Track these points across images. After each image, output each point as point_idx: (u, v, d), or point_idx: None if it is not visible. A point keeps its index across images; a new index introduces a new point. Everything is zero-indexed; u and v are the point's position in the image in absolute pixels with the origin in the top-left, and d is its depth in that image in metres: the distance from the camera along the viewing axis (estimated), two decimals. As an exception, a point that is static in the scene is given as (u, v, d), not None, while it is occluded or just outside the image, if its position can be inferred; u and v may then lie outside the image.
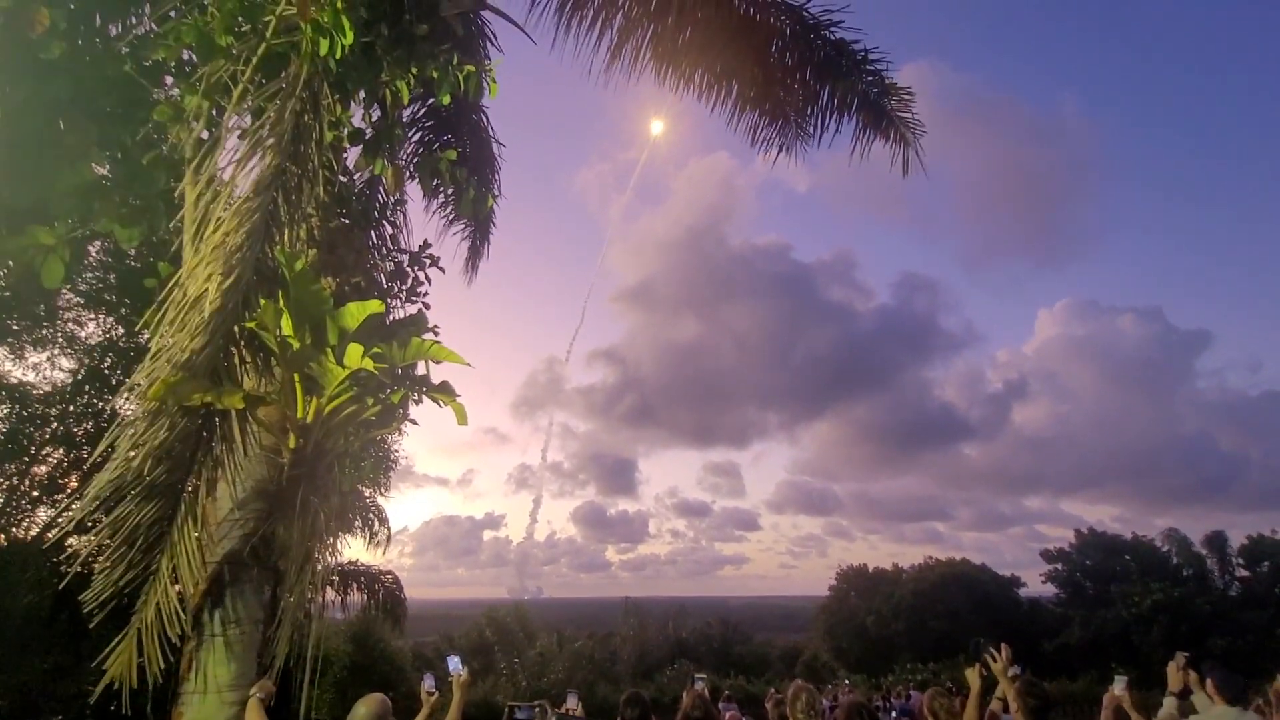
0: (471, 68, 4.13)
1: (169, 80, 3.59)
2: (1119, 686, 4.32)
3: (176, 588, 3.25)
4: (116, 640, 2.82)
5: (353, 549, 13.81)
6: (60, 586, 6.77)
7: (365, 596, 14.75)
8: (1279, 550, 30.62)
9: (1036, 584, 36.58)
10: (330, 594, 13.65)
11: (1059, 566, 35.66)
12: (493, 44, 6.21)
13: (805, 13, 5.72)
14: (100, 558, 2.86)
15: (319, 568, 4.17)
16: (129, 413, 3.05)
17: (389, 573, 15.18)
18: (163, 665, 2.87)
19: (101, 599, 2.70)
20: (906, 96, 6.04)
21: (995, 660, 3.72)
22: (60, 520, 8.72)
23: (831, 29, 5.75)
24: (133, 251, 8.60)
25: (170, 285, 3.09)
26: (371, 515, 13.49)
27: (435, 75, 4.02)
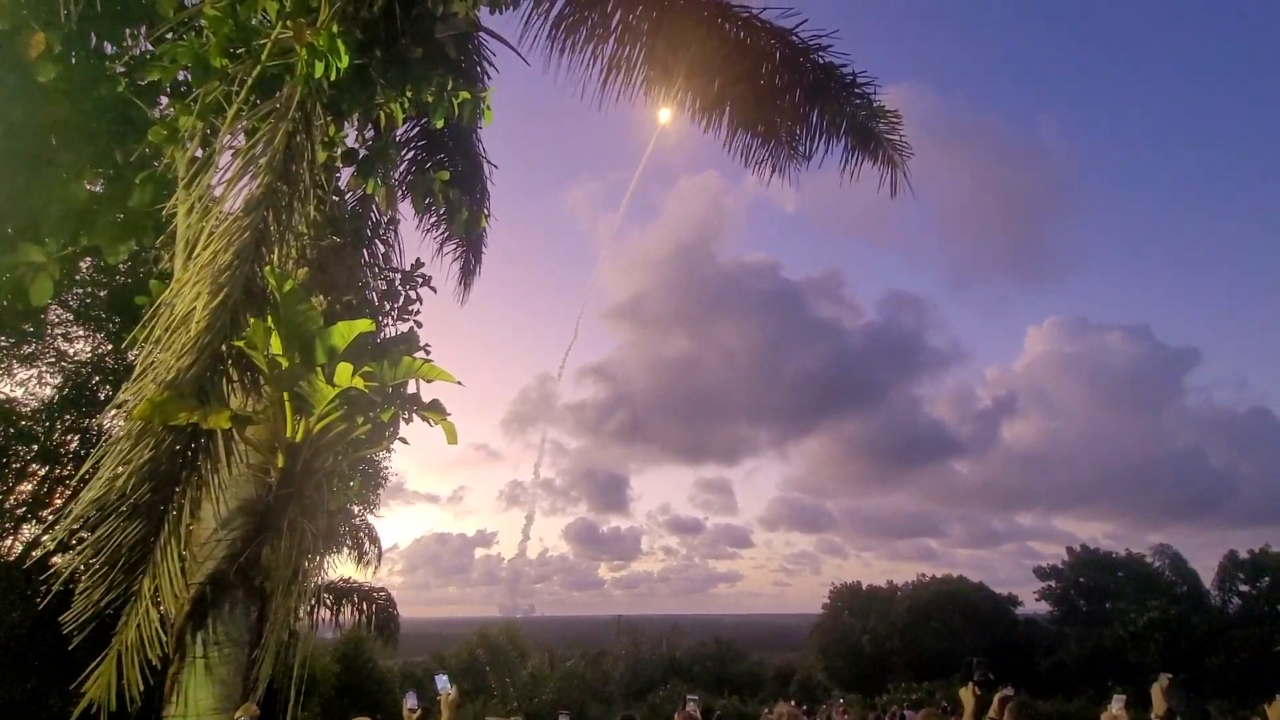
0: (466, 94, 4.18)
1: (163, 100, 3.62)
2: (1117, 705, 4.28)
3: (161, 608, 3.21)
4: (95, 662, 2.77)
5: (343, 568, 13.65)
6: (41, 606, 6.66)
7: (358, 614, 14.54)
8: (1277, 565, 30.49)
9: (1031, 601, 36.47)
10: (323, 612, 13.48)
11: (1052, 584, 35.57)
12: (490, 64, 6.28)
13: (794, 36, 5.82)
14: (82, 578, 2.82)
15: (306, 587, 4.13)
16: (115, 431, 3.03)
17: (381, 590, 15.00)
18: (142, 688, 2.82)
19: (81, 620, 2.66)
20: (894, 119, 6.14)
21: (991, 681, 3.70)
22: (45, 539, 8.60)
23: (820, 53, 5.85)
24: (124, 268, 8.58)
25: (158, 303, 3.09)
26: (361, 534, 13.36)
27: (430, 100, 4.06)
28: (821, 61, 5.97)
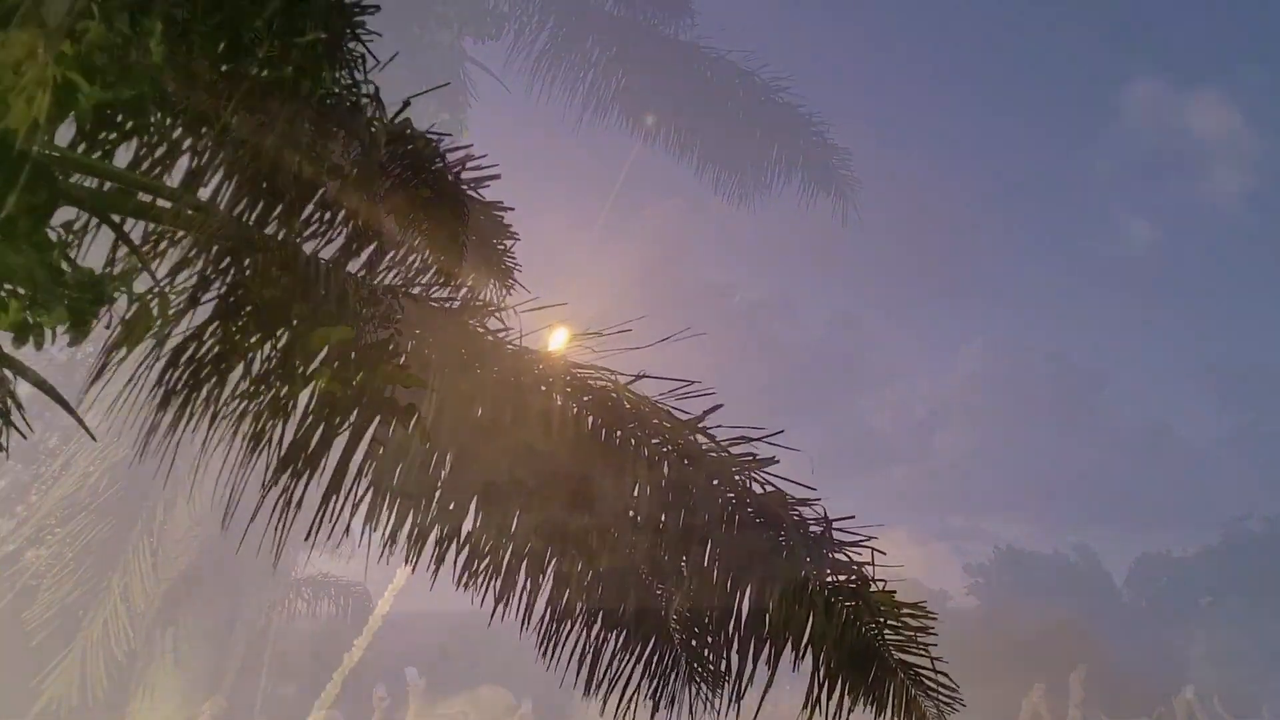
0: (447, 116, 4.15)
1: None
2: (1038, 693, 4.41)
3: (131, 603, 3.04)
4: (60, 658, 2.61)
5: (320, 563, 13.23)
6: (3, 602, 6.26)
7: (335, 608, 14.15)
8: (1175, 567, 31.81)
9: (961, 595, 37.16)
10: (300, 605, 13.03)
11: (979, 580, 36.33)
12: (471, 90, 6.25)
13: (756, 79, 5.95)
14: (49, 574, 2.66)
15: (278, 584, 3.97)
16: (91, 429, 2.88)
17: (358, 584, 14.61)
18: (106, 683, 2.66)
19: (46, 616, 2.50)
20: (845, 156, 6.31)
21: None
22: (16, 535, 8.11)
23: (778, 94, 5.99)
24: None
25: (138, 304, 2.96)
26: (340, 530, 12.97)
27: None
28: (780, 102, 6.11)
